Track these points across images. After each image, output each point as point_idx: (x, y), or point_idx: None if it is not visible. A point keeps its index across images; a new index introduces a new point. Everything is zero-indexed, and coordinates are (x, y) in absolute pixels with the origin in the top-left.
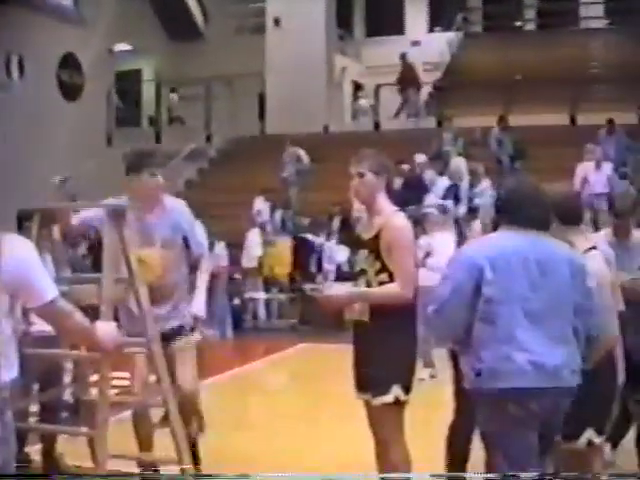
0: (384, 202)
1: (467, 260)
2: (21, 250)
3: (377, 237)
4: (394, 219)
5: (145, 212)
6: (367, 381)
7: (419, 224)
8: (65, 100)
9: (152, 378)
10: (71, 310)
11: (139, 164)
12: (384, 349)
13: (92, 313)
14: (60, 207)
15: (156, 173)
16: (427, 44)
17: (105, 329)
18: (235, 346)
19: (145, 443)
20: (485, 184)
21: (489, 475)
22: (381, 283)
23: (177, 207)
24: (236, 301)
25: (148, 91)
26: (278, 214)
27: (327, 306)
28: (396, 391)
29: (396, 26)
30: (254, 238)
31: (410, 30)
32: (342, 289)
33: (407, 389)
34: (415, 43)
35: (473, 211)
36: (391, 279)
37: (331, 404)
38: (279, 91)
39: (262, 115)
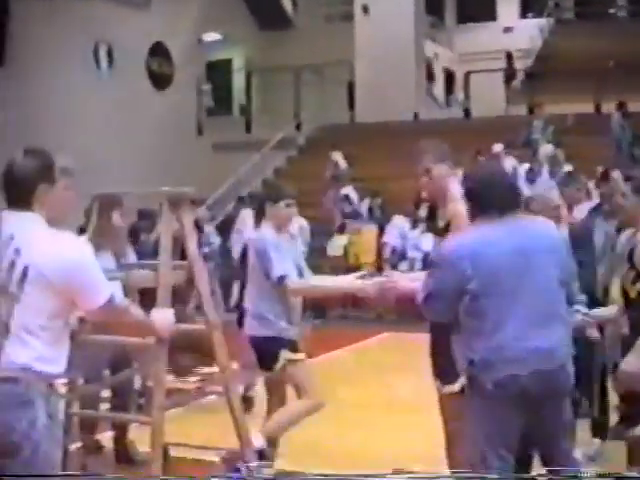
0: (455, 190)
1: (448, 259)
2: (71, 252)
3: (448, 225)
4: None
5: (280, 233)
6: (437, 369)
7: None
8: (155, 89)
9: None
10: (126, 306)
11: (278, 195)
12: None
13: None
14: (120, 193)
15: (291, 204)
16: (519, 30)
17: (161, 317)
18: (320, 334)
19: None
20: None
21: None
22: None
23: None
24: None
25: (238, 80)
26: (366, 202)
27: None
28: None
29: (488, 12)
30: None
31: (502, 16)
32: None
33: None
34: (507, 29)
35: None
36: None
37: (410, 394)
38: (368, 79)
39: (351, 103)
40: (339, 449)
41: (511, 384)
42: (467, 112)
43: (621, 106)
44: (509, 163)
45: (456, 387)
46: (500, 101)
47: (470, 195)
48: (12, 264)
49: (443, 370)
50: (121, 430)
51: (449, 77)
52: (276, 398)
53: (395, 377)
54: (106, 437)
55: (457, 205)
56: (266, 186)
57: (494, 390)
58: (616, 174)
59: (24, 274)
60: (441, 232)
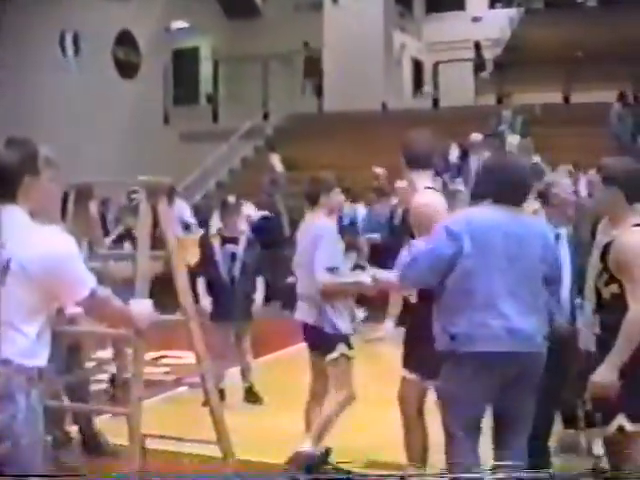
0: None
1: (448, 231)
2: (54, 246)
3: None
4: (422, 197)
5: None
6: (416, 361)
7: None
8: (121, 78)
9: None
10: (108, 296)
11: (328, 186)
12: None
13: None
14: (96, 182)
15: (339, 192)
16: (488, 20)
17: (140, 308)
18: None
19: None
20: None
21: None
22: None
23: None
24: None
25: (205, 69)
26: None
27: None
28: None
29: (457, 2)
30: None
31: (471, 6)
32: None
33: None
34: (476, 19)
35: None
36: None
37: None
38: (337, 68)
39: (319, 92)
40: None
41: (489, 359)
42: (435, 102)
43: (621, 96)
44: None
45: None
46: (469, 91)
47: (481, 180)
48: None
49: (425, 363)
50: (86, 421)
51: (417, 67)
52: (320, 385)
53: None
54: (75, 429)
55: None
56: (313, 179)
57: (472, 363)
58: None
59: (6, 267)
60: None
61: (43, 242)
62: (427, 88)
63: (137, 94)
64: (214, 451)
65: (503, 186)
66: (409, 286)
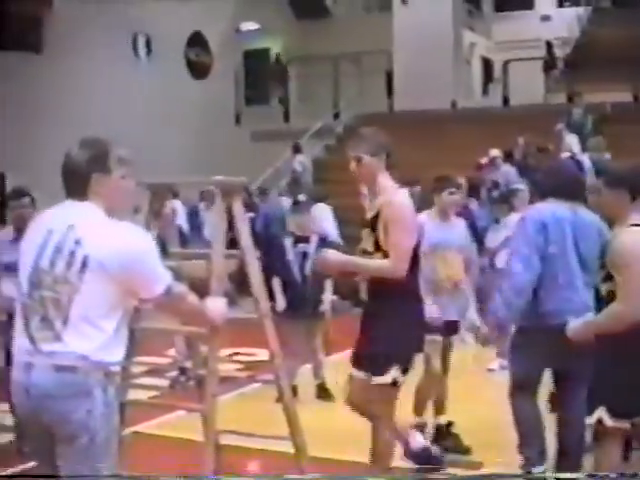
0: (385, 181)
1: (535, 220)
2: (131, 242)
3: (377, 216)
4: (394, 196)
5: (443, 221)
6: (367, 360)
7: (507, 202)
8: (193, 79)
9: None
10: (184, 293)
11: (440, 186)
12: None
13: (201, 286)
14: (172, 183)
15: (454, 192)
16: (557, 19)
17: (215, 306)
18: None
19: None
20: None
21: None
22: None
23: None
24: None
25: (276, 69)
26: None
27: (322, 268)
28: (394, 373)
29: (526, 1)
30: None
31: (539, 5)
32: (337, 255)
33: (405, 371)
34: (545, 18)
35: None
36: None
37: None
38: (407, 68)
39: (390, 92)
40: None
41: (562, 330)
42: (505, 100)
43: None
44: (504, 169)
45: (388, 378)
46: (539, 90)
47: (550, 182)
48: (72, 254)
49: (374, 360)
50: None
51: (487, 66)
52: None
53: None
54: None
55: (390, 197)
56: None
57: (559, 333)
58: None
59: (84, 264)
60: (367, 223)
61: (120, 238)
62: (496, 84)
63: (208, 95)
64: (287, 447)
65: (562, 184)
66: (530, 287)
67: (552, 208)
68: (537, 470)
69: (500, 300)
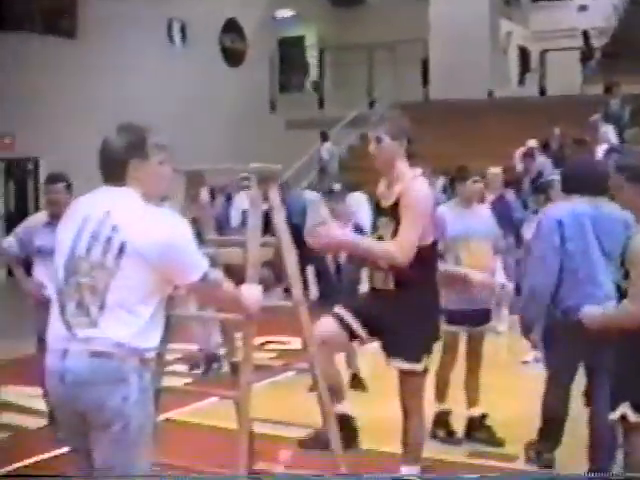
0: (404, 168)
1: (550, 219)
2: (168, 229)
3: (397, 204)
4: (413, 184)
5: (466, 210)
6: (400, 347)
7: (544, 192)
8: (228, 66)
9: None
10: (220, 280)
11: (464, 175)
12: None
13: (237, 272)
14: (208, 169)
15: (478, 180)
16: (594, 9)
17: (250, 293)
18: None
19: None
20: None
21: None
22: None
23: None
24: None
25: (311, 57)
26: (440, 181)
27: (316, 242)
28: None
29: None
30: None
31: None
32: (338, 230)
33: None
34: (582, 8)
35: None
36: None
37: None
38: (443, 56)
39: (425, 81)
40: None
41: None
42: (542, 90)
43: None
44: (540, 159)
45: (422, 366)
46: (576, 80)
47: (573, 178)
48: (108, 240)
49: (410, 348)
50: None
51: (524, 55)
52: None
53: None
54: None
55: (408, 184)
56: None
57: (581, 329)
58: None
59: (121, 251)
60: (385, 211)
61: (158, 225)
62: (533, 74)
63: (243, 82)
64: None
65: (583, 180)
66: (546, 288)
67: (571, 205)
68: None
69: (522, 299)
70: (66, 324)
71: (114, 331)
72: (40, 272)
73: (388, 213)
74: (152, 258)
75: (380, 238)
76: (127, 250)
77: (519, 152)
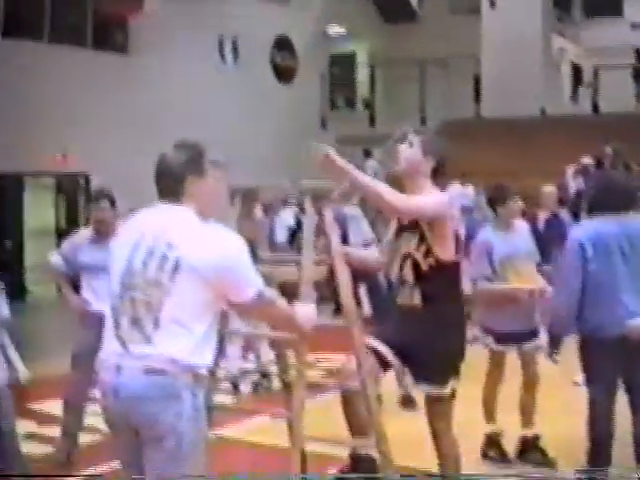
0: (424, 183)
1: (575, 242)
2: (224, 247)
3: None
4: (430, 193)
5: (509, 230)
6: (428, 370)
7: None
8: (279, 83)
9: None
10: (274, 298)
11: (503, 195)
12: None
13: (290, 290)
14: (261, 186)
15: (517, 199)
16: None
17: (304, 312)
18: None
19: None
20: None
21: None
22: (431, 266)
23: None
24: None
25: (362, 74)
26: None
27: (322, 165)
28: (453, 384)
29: (615, 7)
30: None
31: (629, 12)
32: (341, 160)
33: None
34: (635, 26)
35: None
36: (438, 262)
37: None
38: (495, 72)
39: (477, 97)
40: None
41: (617, 341)
42: (595, 107)
43: None
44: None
45: (448, 389)
46: (630, 98)
47: (598, 197)
48: (164, 257)
49: (437, 371)
50: None
51: (576, 72)
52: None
53: None
54: None
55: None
56: (490, 188)
57: (603, 346)
58: None
59: (176, 267)
60: (407, 226)
61: (214, 242)
62: (586, 91)
63: (294, 99)
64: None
65: (608, 198)
66: (568, 308)
67: (595, 225)
68: None
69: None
70: (120, 340)
71: (168, 348)
72: (85, 289)
73: (408, 227)
74: (207, 275)
75: (406, 256)
76: (182, 267)
77: (571, 170)
